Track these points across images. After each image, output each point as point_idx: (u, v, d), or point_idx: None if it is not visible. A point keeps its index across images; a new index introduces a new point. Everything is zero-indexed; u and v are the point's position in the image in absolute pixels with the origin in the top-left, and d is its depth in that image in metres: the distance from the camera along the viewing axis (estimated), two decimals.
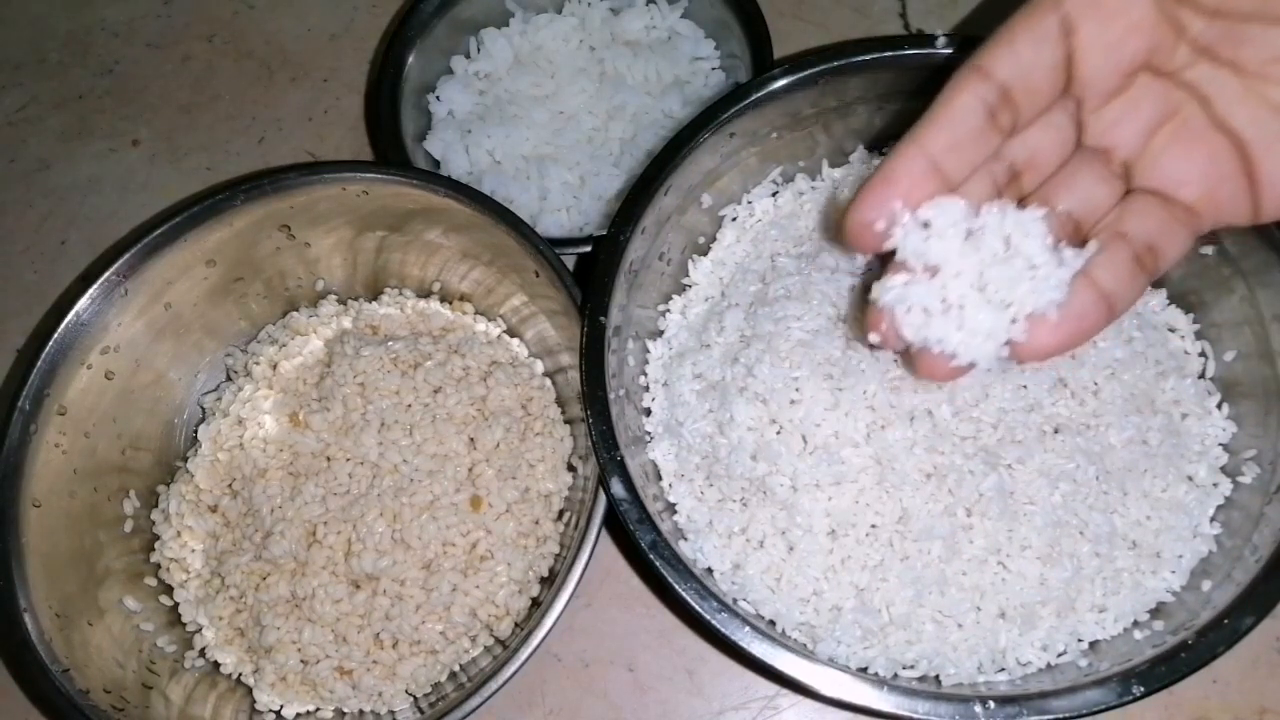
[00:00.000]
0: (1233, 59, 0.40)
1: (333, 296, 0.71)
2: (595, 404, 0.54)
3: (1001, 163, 0.44)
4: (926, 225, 0.42)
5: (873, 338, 0.45)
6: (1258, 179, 0.42)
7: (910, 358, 0.46)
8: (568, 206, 0.73)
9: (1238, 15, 0.39)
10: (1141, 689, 0.48)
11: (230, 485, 0.65)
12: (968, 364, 0.43)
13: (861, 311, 0.46)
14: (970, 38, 0.56)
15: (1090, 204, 0.45)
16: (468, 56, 0.78)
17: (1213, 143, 0.42)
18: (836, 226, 0.45)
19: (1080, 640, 0.54)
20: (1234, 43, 0.40)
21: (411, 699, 0.60)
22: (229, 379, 0.69)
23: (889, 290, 0.43)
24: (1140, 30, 0.40)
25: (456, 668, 0.61)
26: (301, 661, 0.60)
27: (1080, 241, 0.44)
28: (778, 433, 0.54)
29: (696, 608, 0.50)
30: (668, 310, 0.64)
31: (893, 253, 0.43)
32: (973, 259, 0.42)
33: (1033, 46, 0.40)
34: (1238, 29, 0.40)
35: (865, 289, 0.45)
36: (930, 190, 0.42)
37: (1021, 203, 0.44)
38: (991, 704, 0.48)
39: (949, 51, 0.56)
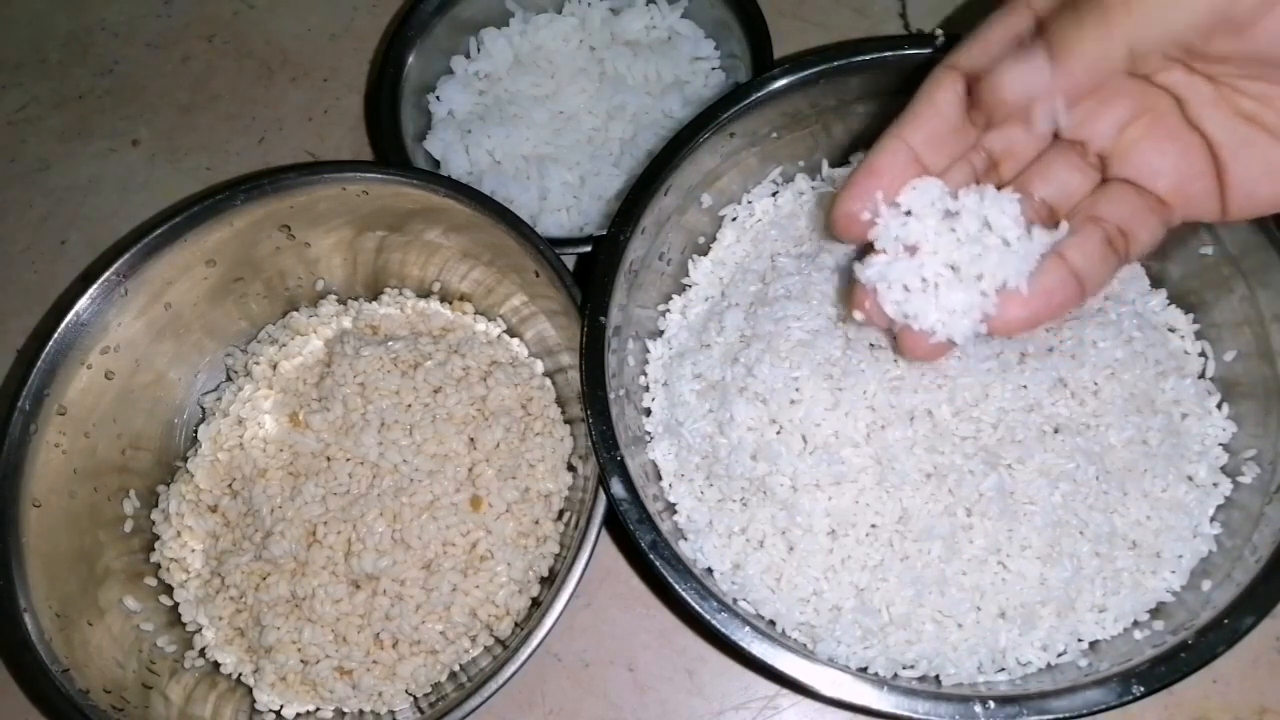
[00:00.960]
0: (1205, 69, 0.41)
1: (333, 296, 0.71)
2: (595, 404, 0.54)
3: (980, 153, 0.46)
4: (908, 214, 0.44)
5: (857, 315, 0.47)
6: (1226, 181, 0.43)
7: (895, 338, 0.48)
8: (568, 206, 0.73)
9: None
10: (1141, 689, 0.48)
11: (230, 485, 0.65)
12: (946, 340, 0.45)
13: (849, 292, 0.48)
14: None
15: (1065, 191, 0.46)
16: (468, 56, 0.78)
17: (1185, 140, 0.43)
18: (826, 218, 0.47)
19: (1080, 640, 0.54)
20: (1206, 58, 0.41)
21: (411, 699, 0.60)
22: (229, 379, 0.69)
23: (871, 268, 0.45)
24: None
25: (456, 668, 0.61)
26: (301, 661, 0.60)
27: (1055, 227, 0.46)
28: (778, 433, 0.54)
29: (696, 608, 0.50)
30: (668, 310, 0.64)
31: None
32: (949, 239, 0.44)
33: (1008, 46, 0.42)
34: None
35: (852, 270, 0.47)
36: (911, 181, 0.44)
37: (999, 190, 0.46)
38: (991, 704, 0.48)
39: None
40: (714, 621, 0.50)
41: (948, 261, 0.44)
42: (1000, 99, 0.41)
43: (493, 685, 0.53)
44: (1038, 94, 0.41)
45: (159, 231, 0.61)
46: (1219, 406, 0.57)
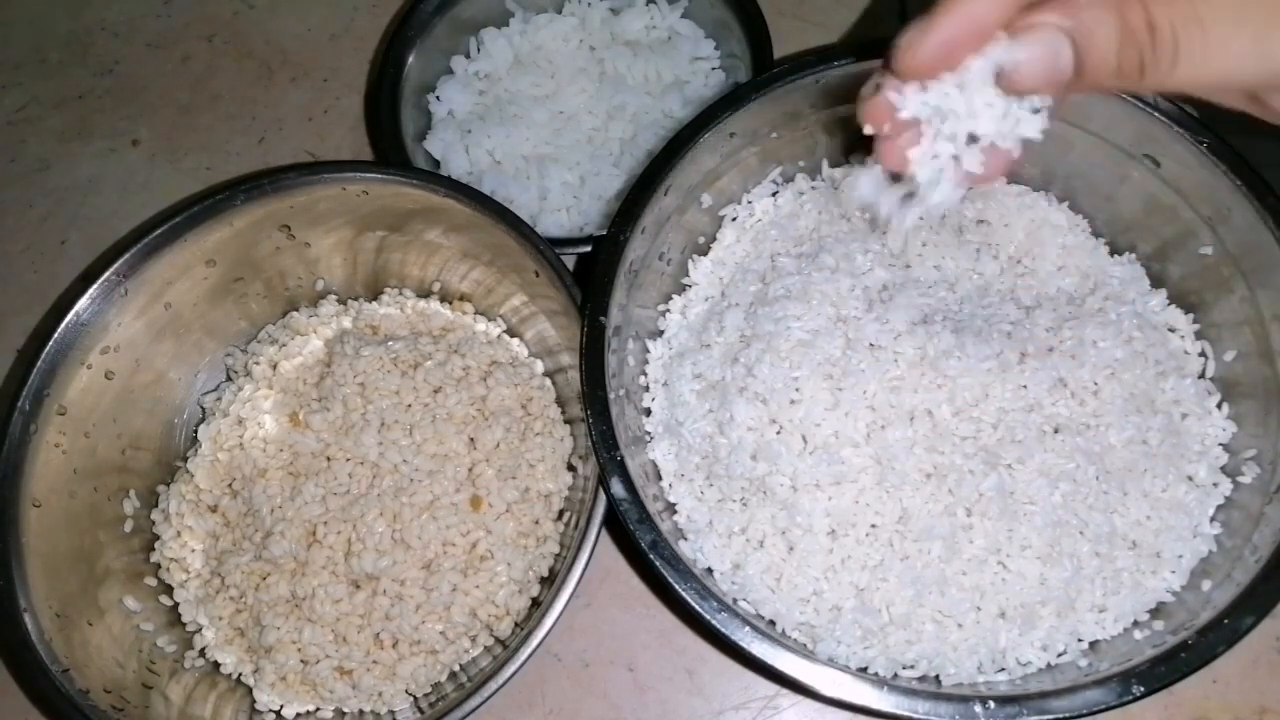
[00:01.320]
0: None
1: (333, 296, 0.71)
2: (595, 404, 0.54)
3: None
4: (958, 82, 0.41)
5: (867, 127, 0.44)
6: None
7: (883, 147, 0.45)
8: (568, 206, 0.73)
9: None
10: (1141, 689, 0.48)
11: (230, 485, 0.65)
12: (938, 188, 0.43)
13: (869, 102, 0.44)
14: None
15: None
16: (468, 56, 0.78)
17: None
18: (886, 58, 0.44)
19: (1080, 640, 0.54)
20: None
21: (411, 699, 0.60)
22: (229, 379, 0.69)
23: (909, 101, 0.42)
24: None
25: (456, 668, 0.61)
26: (301, 661, 0.60)
27: None
28: (778, 433, 0.54)
29: (696, 608, 0.50)
30: (668, 310, 0.64)
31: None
32: (981, 102, 0.41)
33: None
34: None
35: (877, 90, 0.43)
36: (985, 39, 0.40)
37: None
38: (991, 704, 0.48)
39: None
40: (714, 621, 0.50)
41: (969, 127, 0.42)
42: None
43: (493, 685, 0.53)
44: None
45: (159, 231, 0.61)
46: (1219, 406, 0.57)
